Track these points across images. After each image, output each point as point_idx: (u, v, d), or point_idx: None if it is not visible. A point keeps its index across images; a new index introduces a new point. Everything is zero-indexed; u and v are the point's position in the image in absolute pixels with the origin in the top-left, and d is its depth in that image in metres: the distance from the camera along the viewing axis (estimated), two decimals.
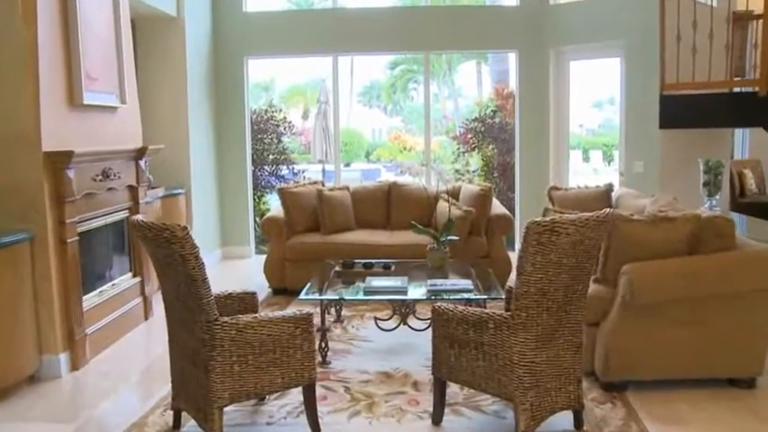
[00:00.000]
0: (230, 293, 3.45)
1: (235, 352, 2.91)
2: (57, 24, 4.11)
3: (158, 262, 3.00)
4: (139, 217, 3.00)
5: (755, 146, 8.63)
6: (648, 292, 3.54)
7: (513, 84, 8.45)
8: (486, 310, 3.10)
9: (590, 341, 3.61)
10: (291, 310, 3.20)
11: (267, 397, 3.54)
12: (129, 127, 5.06)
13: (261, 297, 5.78)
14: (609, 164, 11.96)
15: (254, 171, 8.14)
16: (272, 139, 8.84)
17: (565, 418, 3.21)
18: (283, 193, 6.18)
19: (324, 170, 9.89)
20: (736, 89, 5.84)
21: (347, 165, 12.80)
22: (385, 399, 3.64)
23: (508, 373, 2.92)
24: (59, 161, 3.95)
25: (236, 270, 7.18)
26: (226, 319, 2.92)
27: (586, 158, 12.47)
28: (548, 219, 2.80)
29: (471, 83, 14.11)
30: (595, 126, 12.41)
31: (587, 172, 11.83)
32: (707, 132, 6.06)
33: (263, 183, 8.73)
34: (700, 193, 5.61)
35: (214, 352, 2.87)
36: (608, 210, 2.97)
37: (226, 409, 3.01)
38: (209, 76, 7.28)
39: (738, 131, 8.46)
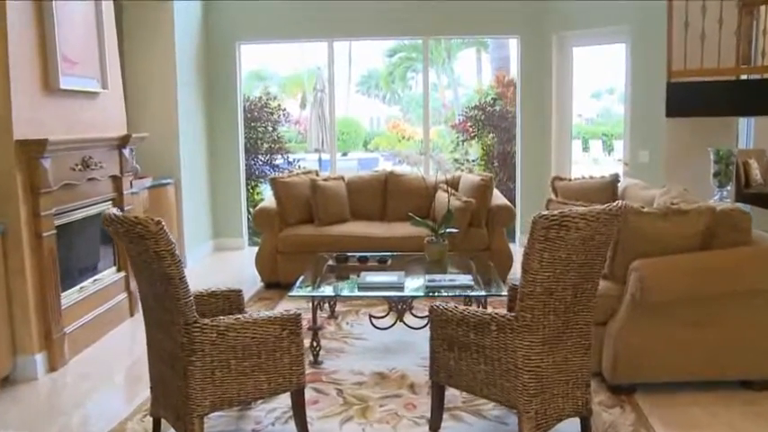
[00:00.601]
0: (213, 291, 3.22)
1: (216, 356, 2.69)
2: (28, 2, 3.84)
3: (133, 259, 2.78)
4: (112, 210, 2.77)
5: (760, 135, 8.41)
6: (660, 290, 3.34)
7: (513, 71, 8.21)
8: (489, 311, 2.88)
9: (597, 341, 3.39)
10: (280, 308, 2.98)
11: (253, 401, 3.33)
12: (111, 114, 4.83)
13: (253, 291, 5.61)
14: (609, 153, 11.76)
15: (247, 160, 7.92)
16: (265, 127, 8.61)
17: (571, 424, 3.00)
18: (276, 183, 5.96)
19: (320, 159, 9.71)
20: (744, 76, 5.63)
21: (344, 154, 12.62)
22: (380, 402, 3.43)
23: (512, 379, 2.71)
24: (33, 150, 3.72)
25: (228, 262, 6.97)
26: (206, 320, 2.69)
27: (586, 148, 12.27)
28: (556, 212, 2.56)
29: (471, 71, 13.89)
30: (593, 116, 12.21)
31: (587, 162, 11.63)
32: (713, 121, 5.84)
33: (256, 172, 8.51)
34: (706, 183, 5.39)
35: (193, 356, 2.65)
36: (621, 202, 2.74)
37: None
38: (200, 62, 7.04)
39: (743, 120, 8.23)
